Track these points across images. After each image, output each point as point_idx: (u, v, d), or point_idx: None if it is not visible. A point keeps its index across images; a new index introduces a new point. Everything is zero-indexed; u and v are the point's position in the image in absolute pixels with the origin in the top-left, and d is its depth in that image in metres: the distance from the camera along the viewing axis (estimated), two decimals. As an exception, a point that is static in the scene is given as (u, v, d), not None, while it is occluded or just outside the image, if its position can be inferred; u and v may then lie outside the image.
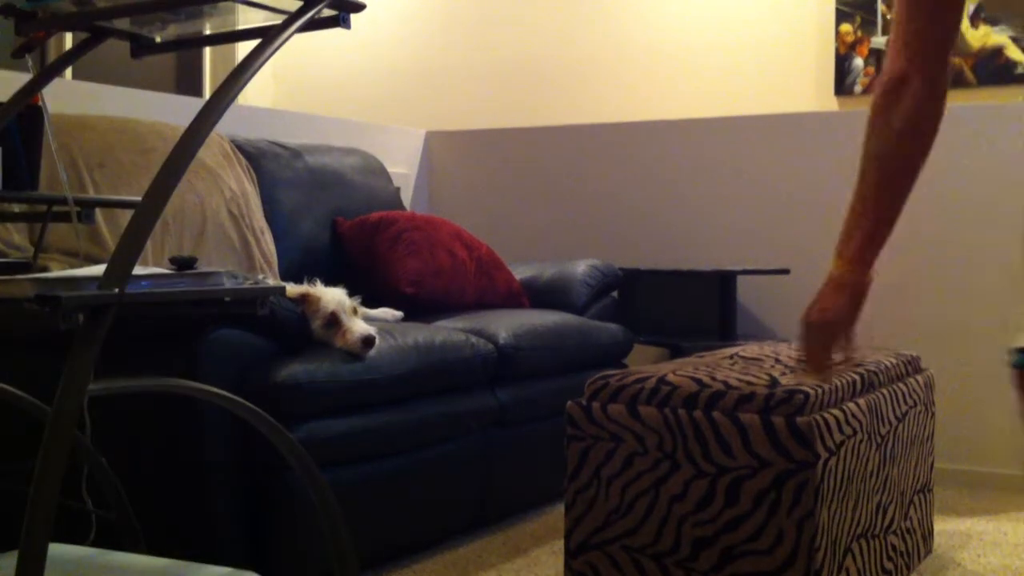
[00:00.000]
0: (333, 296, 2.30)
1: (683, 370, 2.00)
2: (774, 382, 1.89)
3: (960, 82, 3.46)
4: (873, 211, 1.69)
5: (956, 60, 3.46)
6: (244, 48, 1.43)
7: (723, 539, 1.83)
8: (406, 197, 4.02)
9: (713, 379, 1.92)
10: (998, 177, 3.26)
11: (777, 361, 2.17)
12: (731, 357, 2.20)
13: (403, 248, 3.06)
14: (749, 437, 1.81)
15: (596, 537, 1.94)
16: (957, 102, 3.45)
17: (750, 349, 2.34)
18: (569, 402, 1.98)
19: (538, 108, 4.21)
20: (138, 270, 1.26)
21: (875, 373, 2.20)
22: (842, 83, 3.64)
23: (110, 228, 2.54)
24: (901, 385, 2.27)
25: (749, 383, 1.88)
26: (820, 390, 1.87)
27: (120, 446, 1.86)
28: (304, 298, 2.27)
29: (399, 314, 2.80)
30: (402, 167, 4.06)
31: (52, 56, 3.48)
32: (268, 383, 2.05)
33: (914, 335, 3.38)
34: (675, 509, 1.87)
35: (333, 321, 2.26)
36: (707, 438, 1.84)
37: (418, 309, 2.93)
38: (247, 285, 1.40)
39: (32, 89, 1.56)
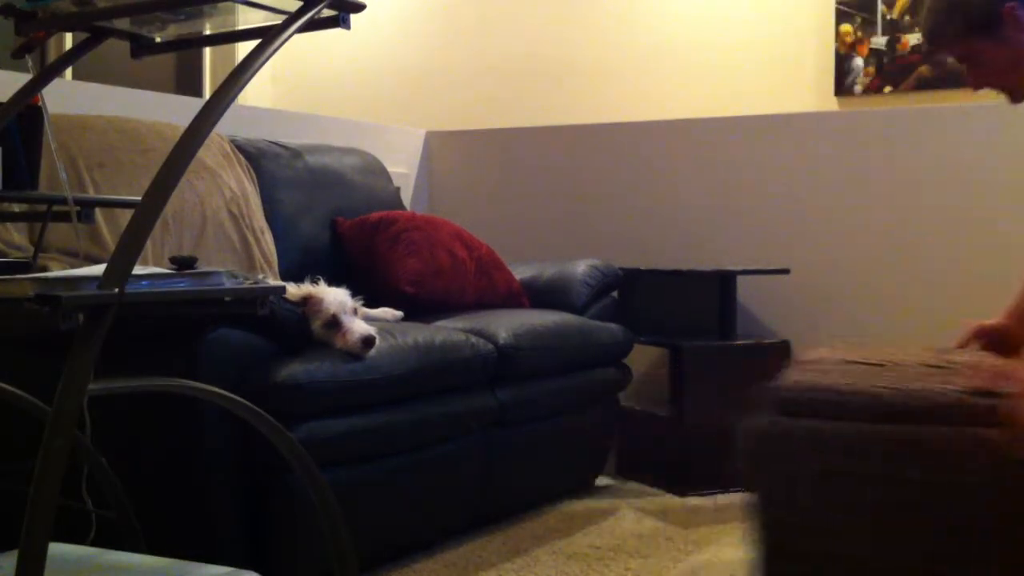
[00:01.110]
0: (335, 297, 2.30)
1: (873, 380, 1.75)
2: (991, 394, 1.66)
3: (960, 82, 3.45)
4: None
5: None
6: (244, 48, 1.42)
7: (940, 567, 1.64)
8: (406, 197, 4.02)
9: (935, 390, 1.68)
10: (999, 176, 3.25)
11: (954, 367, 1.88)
12: (882, 364, 1.93)
13: (403, 248, 3.06)
14: (987, 452, 1.60)
15: (793, 569, 1.75)
16: (957, 102, 3.45)
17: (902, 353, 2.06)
18: (749, 417, 1.75)
19: (538, 108, 4.21)
20: (138, 270, 1.26)
21: None
22: (842, 83, 3.64)
23: (110, 228, 2.54)
24: None
25: (966, 393, 1.66)
26: None
27: (120, 446, 1.86)
28: (307, 299, 2.27)
29: (399, 314, 2.80)
30: (402, 167, 4.06)
31: (52, 56, 3.47)
32: (268, 383, 2.05)
33: (917, 333, 3.37)
34: (894, 533, 1.67)
35: (334, 322, 2.26)
36: (933, 454, 1.64)
37: (418, 309, 2.93)
38: (247, 285, 1.41)
39: (32, 89, 1.56)
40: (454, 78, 4.40)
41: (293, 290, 2.29)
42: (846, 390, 1.75)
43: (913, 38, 3.51)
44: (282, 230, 3.08)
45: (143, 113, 2.95)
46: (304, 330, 2.22)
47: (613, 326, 3.20)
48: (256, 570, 1.53)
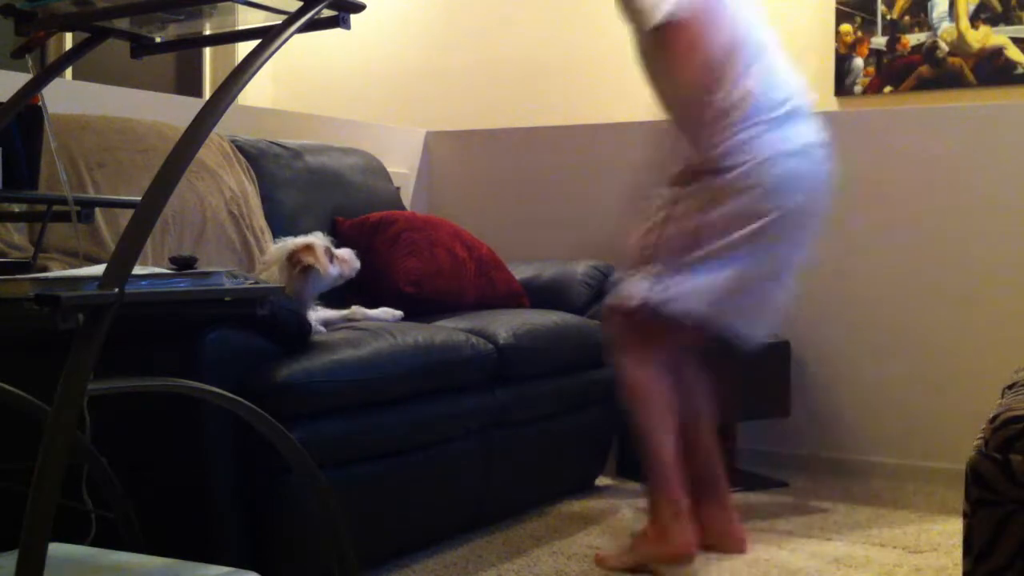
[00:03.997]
0: (314, 239, 2.57)
1: None
2: None
3: (960, 82, 3.45)
4: None
5: (956, 60, 3.46)
6: (244, 48, 1.43)
7: None
8: (406, 197, 4.02)
9: None
10: (999, 176, 3.25)
11: None
12: None
13: (403, 248, 3.06)
14: None
15: None
16: (957, 102, 3.45)
17: None
18: (973, 454, 1.49)
19: (538, 108, 4.21)
20: (138, 270, 1.26)
21: None
22: (842, 83, 3.64)
23: (110, 228, 2.54)
24: None
25: None
26: None
27: (120, 446, 1.86)
28: (308, 248, 2.52)
29: (399, 314, 2.80)
30: (402, 167, 4.06)
31: (52, 56, 3.47)
32: (268, 383, 2.05)
33: (918, 333, 3.37)
34: None
35: (330, 254, 2.55)
36: None
37: (418, 309, 2.93)
38: (247, 285, 1.41)
39: (32, 89, 1.56)
40: (454, 78, 4.40)
41: (291, 244, 2.53)
42: None
43: (913, 38, 3.51)
44: (282, 230, 3.07)
45: (143, 113, 2.95)
46: (304, 330, 2.22)
47: (613, 326, 3.20)
48: (256, 570, 1.53)
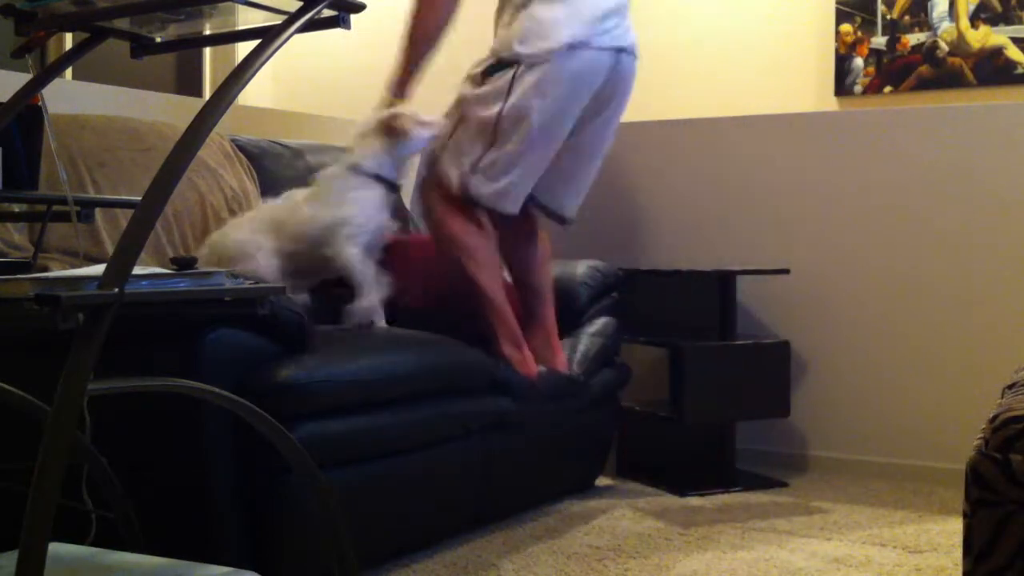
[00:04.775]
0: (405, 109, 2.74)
1: None
2: None
3: (960, 82, 3.45)
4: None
5: (956, 60, 3.46)
6: (244, 48, 1.43)
7: None
8: (406, 197, 4.02)
9: None
10: (999, 176, 3.25)
11: None
12: None
13: (403, 248, 3.05)
14: None
15: None
16: (957, 102, 3.45)
17: None
18: (973, 454, 1.48)
19: (538, 108, 4.20)
20: (138, 270, 1.26)
21: None
22: (842, 83, 3.64)
23: (110, 228, 2.54)
24: None
25: None
26: None
27: (120, 446, 1.86)
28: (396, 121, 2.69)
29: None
30: (402, 167, 4.05)
31: (52, 56, 3.47)
32: (268, 383, 2.05)
33: (918, 333, 3.37)
34: None
35: (421, 121, 2.73)
36: None
37: (419, 311, 2.93)
38: (247, 285, 1.41)
39: (32, 89, 1.56)
40: (454, 78, 4.39)
41: (379, 115, 2.77)
42: None
43: (913, 38, 3.51)
44: (282, 230, 3.07)
45: (143, 113, 2.95)
46: (304, 330, 2.22)
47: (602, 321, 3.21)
48: (256, 570, 1.53)
